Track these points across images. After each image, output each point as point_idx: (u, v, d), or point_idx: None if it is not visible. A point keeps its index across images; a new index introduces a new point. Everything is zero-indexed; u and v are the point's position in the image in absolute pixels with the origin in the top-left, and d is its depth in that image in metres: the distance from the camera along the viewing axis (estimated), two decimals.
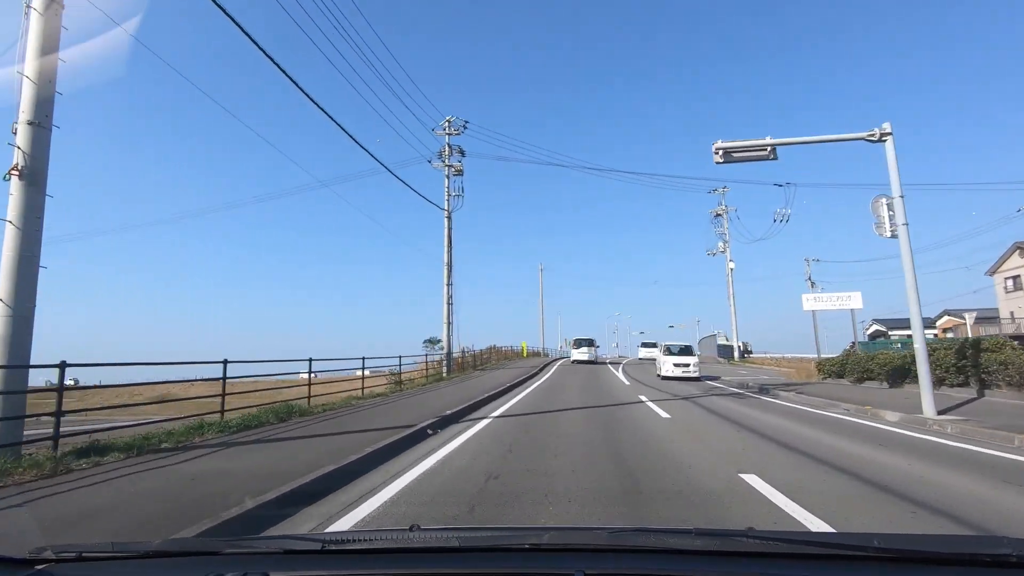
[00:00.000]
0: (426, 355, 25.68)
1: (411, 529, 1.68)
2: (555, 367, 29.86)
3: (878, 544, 1.30)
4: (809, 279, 54.06)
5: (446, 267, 26.34)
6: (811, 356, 58.58)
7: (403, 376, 23.47)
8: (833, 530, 3.82)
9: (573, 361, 35.39)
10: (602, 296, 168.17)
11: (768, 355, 49.13)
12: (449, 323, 26.04)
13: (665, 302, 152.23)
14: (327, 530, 3.89)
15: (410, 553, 1.50)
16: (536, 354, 51.70)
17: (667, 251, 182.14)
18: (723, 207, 42.04)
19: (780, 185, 30.59)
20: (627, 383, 19.41)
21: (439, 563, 1.44)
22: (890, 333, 56.67)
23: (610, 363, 36.85)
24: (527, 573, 1.35)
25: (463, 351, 31.06)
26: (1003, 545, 1.25)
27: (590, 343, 36.47)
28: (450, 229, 26.74)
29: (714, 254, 42.79)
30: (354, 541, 1.57)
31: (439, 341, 27.71)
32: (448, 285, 26.25)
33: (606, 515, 4.24)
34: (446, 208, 26.72)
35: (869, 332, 60.80)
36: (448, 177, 27.00)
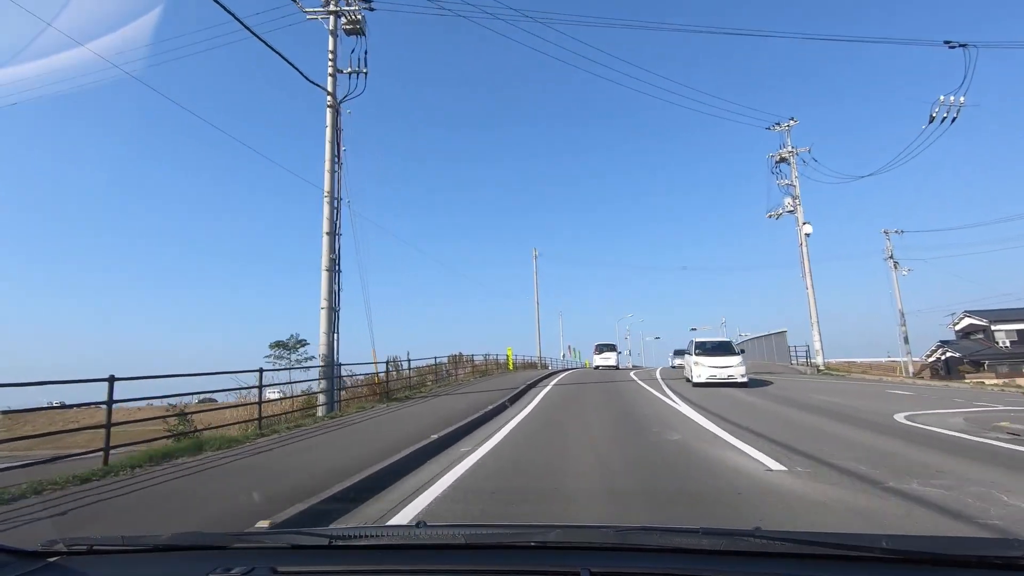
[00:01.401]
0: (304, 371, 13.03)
1: (418, 526, 1.61)
2: (547, 390, 16.87)
3: (886, 544, 1.28)
4: (891, 257, 41.17)
5: (327, 199, 13.61)
6: (894, 359, 45.40)
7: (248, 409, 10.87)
8: None
9: (596, 367, 33.84)
10: (609, 295, 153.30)
11: (852, 361, 36.15)
12: (333, 308, 13.27)
13: (682, 301, 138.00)
14: None
15: (417, 549, 1.50)
16: (531, 365, 38.89)
17: (689, 233, 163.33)
18: (789, 149, 29.39)
19: (953, 45, 17.80)
20: (779, 471, 6.48)
21: (445, 560, 1.42)
22: (994, 328, 43.50)
23: (634, 374, 24.12)
24: (533, 570, 1.33)
25: (394, 364, 18.37)
26: (1013, 547, 1.22)
27: (612, 348, 34.85)
28: (337, 129, 14.03)
29: (777, 215, 29.95)
30: (361, 537, 1.56)
31: (304, 344, 15.01)
32: (332, 235, 13.51)
33: None
34: (329, 90, 14.04)
35: (958, 327, 47.72)
36: (335, 34, 14.35)
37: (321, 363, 12.89)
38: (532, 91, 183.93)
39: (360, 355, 14.93)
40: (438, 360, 20.44)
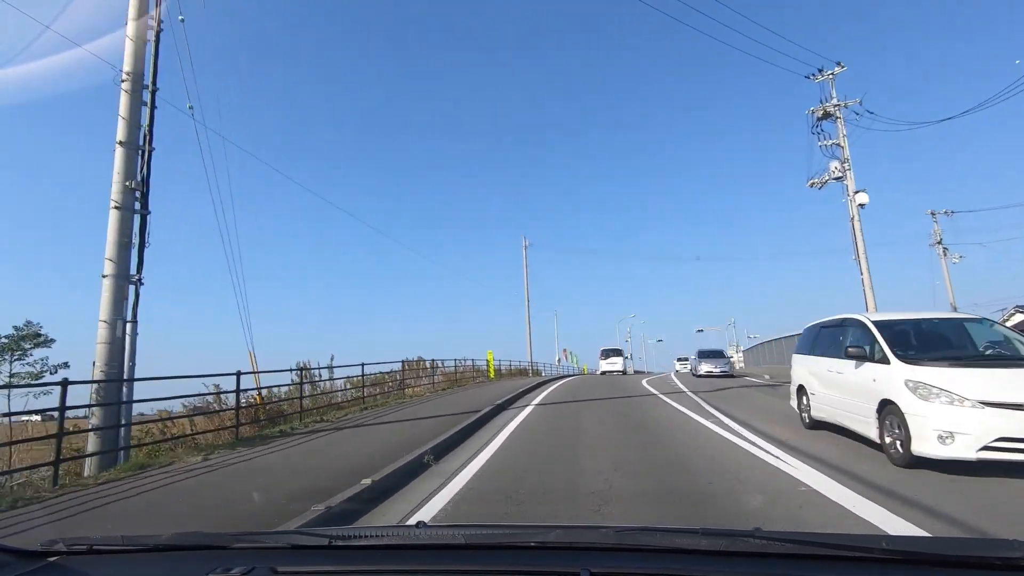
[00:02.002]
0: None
1: (418, 526, 1.59)
2: (525, 415, 10.91)
3: (886, 545, 1.27)
4: (939, 242, 35.45)
5: (127, 87, 7.70)
6: None
7: None
8: None
9: (602, 372, 33.19)
10: (608, 296, 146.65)
11: None
12: (126, 277, 7.34)
13: (684, 302, 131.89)
14: None
15: (416, 550, 1.48)
16: (521, 372, 33.06)
17: (695, 225, 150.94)
18: (834, 101, 23.71)
19: None
20: None
21: (445, 560, 1.40)
22: None
23: (647, 383, 18.23)
24: (533, 571, 1.31)
25: (306, 374, 12.60)
26: (1014, 548, 1.18)
27: (619, 353, 34.32)
28: None
29: (821, 183, 24.14)
30: (361, 537, 1.54)
31: (41, 341, 9.57)
32: (132, 148, 7.60)
33: None
34: None
35: (1008, 324, 41.97)
36: None
37: (98, 376, 6.95)
38: (525, 89, 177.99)
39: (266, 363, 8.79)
40: (408, 363, 14.47)
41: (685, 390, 15.25)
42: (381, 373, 17.20)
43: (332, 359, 12.97)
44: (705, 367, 23.30)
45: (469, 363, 23.94)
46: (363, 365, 12.91)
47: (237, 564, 1.30)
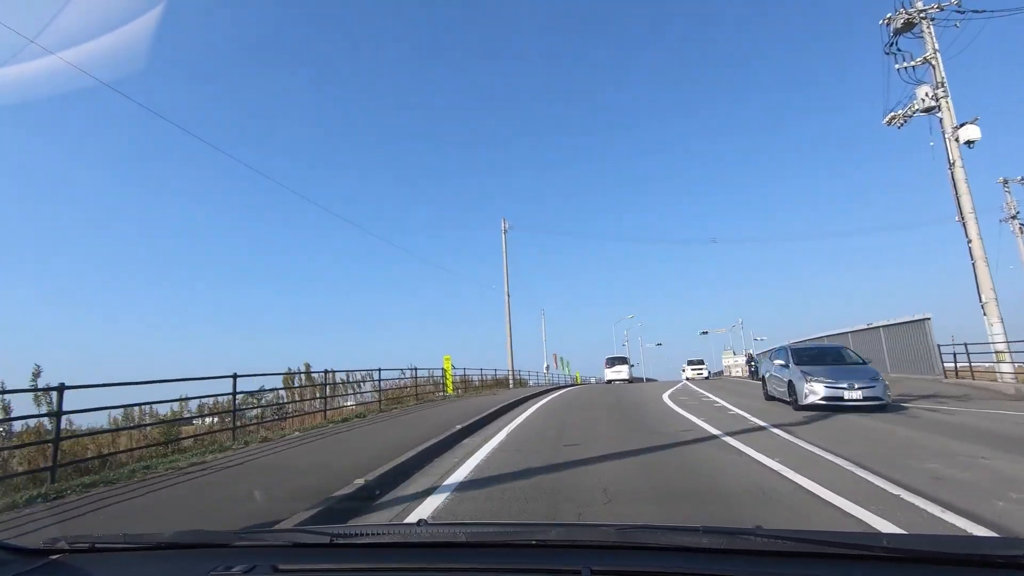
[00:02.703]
0: None
1: (419, 524, 1.62)
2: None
3: (887, 543, 1.26)
4: (1013, 217, 28.99)
5: None
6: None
7: None
8: None
9: (608, 381, 32.66)
10: (603, 296, 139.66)
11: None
12: None
13: (685, 303, 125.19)
14: None
15: (418, 548, 1.48)
16: (499, 383, 26.40)
17: (696, 210, 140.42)
18: (920, 5, 17.20)
19: None
20: None
21: (446, 558, 1.39)
22: None
23: (669, 399, 11.77)
24: (534, 569, 1.29)
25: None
26: (1015, 546, 1.19)
27: (624, 361, 34.03)
28: None
29: (904, 119, 17.51)
30: (362, 535, 1.53)
31: None
32: None
33: None
34: None
35: None
36: None
37: None
38: (511, 78, 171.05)
39: None
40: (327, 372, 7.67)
41: (762, 423, 8.44)
42: (245, 394, 10.43)
43: (36, 377, 6.03)
44: (824, 388, 9.86)
45: (413, 373, 17.00)
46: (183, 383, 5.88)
47: (239, 562, 1.31)
